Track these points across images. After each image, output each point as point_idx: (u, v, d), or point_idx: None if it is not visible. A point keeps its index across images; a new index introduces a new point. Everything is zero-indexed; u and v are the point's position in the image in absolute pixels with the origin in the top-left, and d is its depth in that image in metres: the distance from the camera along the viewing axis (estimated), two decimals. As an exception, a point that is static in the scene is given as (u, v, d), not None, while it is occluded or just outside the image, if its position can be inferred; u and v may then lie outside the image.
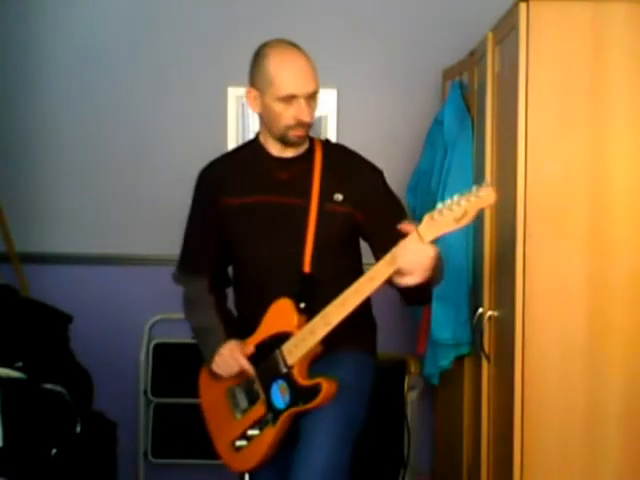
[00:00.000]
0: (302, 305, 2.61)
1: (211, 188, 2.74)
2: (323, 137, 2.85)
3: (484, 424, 3.21)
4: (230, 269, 2.86)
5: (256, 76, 2.64)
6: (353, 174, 2.67)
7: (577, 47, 2.71)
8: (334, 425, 2.57)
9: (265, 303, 2.65)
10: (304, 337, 2.56)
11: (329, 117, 4.15)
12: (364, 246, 2.76)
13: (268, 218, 2.67)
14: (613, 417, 2.74)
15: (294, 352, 2.58)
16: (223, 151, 2.92)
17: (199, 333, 2.80)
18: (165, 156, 4.20)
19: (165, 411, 4.17)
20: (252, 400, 2.68)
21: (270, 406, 2.63)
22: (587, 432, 2.75)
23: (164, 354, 4.17)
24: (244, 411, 2.70)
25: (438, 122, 3.73)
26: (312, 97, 2.62)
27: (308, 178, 2.66)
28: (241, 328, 2.74)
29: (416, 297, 2.56)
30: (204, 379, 2.81)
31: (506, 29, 2.92)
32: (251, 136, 2.81)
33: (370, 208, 2.65)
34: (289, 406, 2.60)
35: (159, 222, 4.15)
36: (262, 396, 2.66)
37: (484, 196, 2.32)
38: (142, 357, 4.16)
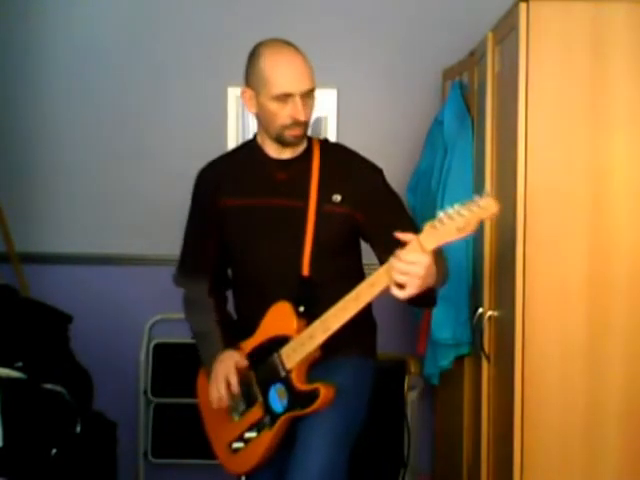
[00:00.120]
0: (301, 309, 2.59)
1: (210, 188, 2.73)
2: (322, 137, 2.83)
3: (484, 424, 3.21)
4: (229, 271, 2.85)
5: (251, 76, 2.62)
6: (352, 174, 2.66)
7: (577, 47, 2.71)
8: (331, 429, 2.57)
9: (264, 305, 2.64)
10: (303, 342, 2.55)
11: (329, 117, 4.15)
12: (364, 246, 2.76)
13: (266, 220, 2.65)
14: (613, 417, 2.74)
15: (292, 356, 2.57)
16: (223, 151, 2.92)
17: (198, 337, 2.80)
18: (165, 156, 4.20)
19: (165, 411, 4.17)
20: (250, 403, 2.68)
21: (268, 409, 2.63)
22: (587, 432, 2.75)
23: (164, 354, 4.17)
24: (242, 413, 2.70)
25: (438, 122, 3.73)
26: (308, 95, 2.59)
27: (306, 179, 2.64)
28: (240, 330, 2.74)
29: (419, 301, 2.51)
30: (202, 381, 2.81)
31: (506, 29, 2.92)
32: (251, 136, 2.79)
33: (370, 208, 2.63)
34: (286, 410, 2.59)
35: (159, 222, 4.16)
36: (260, 399, 2.65)
37: (486, 206, 2.30)
38: (142, 357, 4.16)
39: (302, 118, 2.58)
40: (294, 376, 2.57)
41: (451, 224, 2.31)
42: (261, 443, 2.65)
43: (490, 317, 3.11)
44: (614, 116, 2.72)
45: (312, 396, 2.55)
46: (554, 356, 2.74)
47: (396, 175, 3.19)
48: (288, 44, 2.63)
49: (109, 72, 4.19)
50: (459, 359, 3.59)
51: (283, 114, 2.57)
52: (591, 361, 2.74)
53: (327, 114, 4.14)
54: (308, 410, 2.56)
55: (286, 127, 2.59)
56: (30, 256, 4.14)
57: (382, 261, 2.59)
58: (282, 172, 2.66)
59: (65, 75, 4.20)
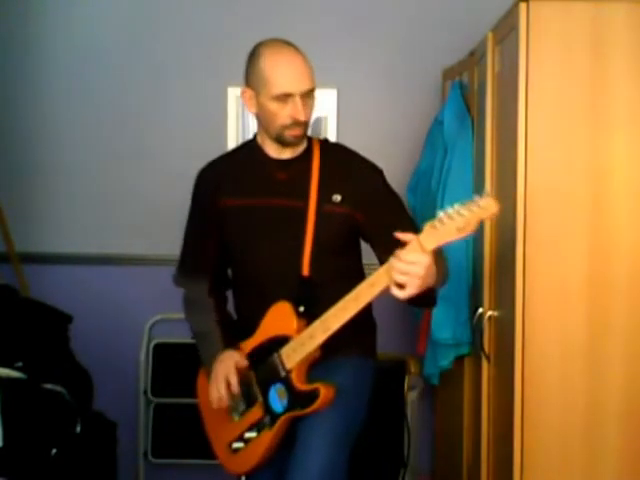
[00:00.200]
0: (301, 309, 2.59)
1: (210, 188, 2.73)
2: (322, 137, 2.83)
3: (484, 424, 3.21)
4: (229, 271, 2.85)
5: (251, 76, 2.62)
6: (352, 174, 2.65)
7: (577, 47, 2.71)
8: (331, 429, 2.57)
9: (264, 305, 2.64)
10: (303, 342, 2.55)
11: (329, 117, 4.15)
12: (364, 246, 2.76)
13: (266, 220, 2.65)
14: (613, 417, 2.74)
15: (292, 356, 2.57)
16: (223, 151, 2.92)
17: (198, 337, 2.80)
18: (165, 156, 4.20)
19: (165, 411, 4.17)
20: (250, 403, 2.67)
21: (268, 409, 2.63)
22: (587, 432, 2.75)
23: (164, 354, 4.17)
24: (242, 413, 2.70)
25: (438, 122, 3.73)
26: (308, 95, 2.59)
27: (306, 179, 2.64)
28: (240, 330, 2.74)
29: (419, 302, 2.50)
30: (202, 381, 2.80)
31: (506, 29, 2.92)
32: (251, 136, 2.79)
33: (370, 208, 2.62)
34: (287, 410, 2.59)
35: (159, 222, 4.16)
36: (260, 399, 2.65)
37: (486, 206, 2.30)
38: (142, 357, 4.16)
39: (302, 118, 2.57)
40: (294, 376, 2.57)
41: (451, 224, 2.31)
42: (261, 443, 2.65)
43: (490, 317, 3.11)
44: (614, 116, 2.72)
45: (312, 396, 2.55)
46: (554, 356, 2.74)
47: (396, 175, 3.18)
48: (288, 44, 2.63)
49: (109, 72, 4.19)
50: (459, 359, 3.59)
51: (283, 114, 2.57)
52: (591, 361, 2.73)
53: (327, 114, 4.14)
54: (308, 410, 2.56)
55: (286, 127, 2.58)
56: (30, 256, 4.14)
57: (382, 261, 2.58)
58: (282, 172, 2.66)
59: (65, 75, 4.20)
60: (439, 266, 2.43)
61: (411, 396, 3.93)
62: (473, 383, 3.47)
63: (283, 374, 2.59)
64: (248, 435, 2.68)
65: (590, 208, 2.73)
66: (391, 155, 4.02)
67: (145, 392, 4.17)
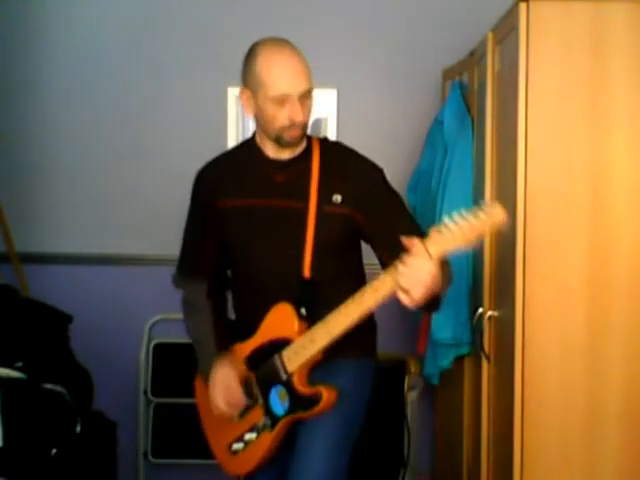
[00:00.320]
0: (303, 311, 2.57)
1: (208, 189, 2.71)
2: (322, 136, 2.80)
3: (484, 424, 3.21)
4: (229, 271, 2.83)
5: (248, 77, 2.59)
6: (352, 173, 2.62)
7: (577, 47, 2.71)
8: (332, 432, 2.57)
9: (264, 306, 2.62)
10: (304, 345, 2.53)
11: (329, 117, 4.15)
12: (364, 247, 2.75)
13: (266, 221, 2.62)
14: (613, 417, 2.74)
15: (294, 359, 2.55)
16: (223, 151, 2.91)
17: (194, 342, 2.77)
18: (165, 156, 4.20)
19: (165, 411, 4.17)
20: (250, 404, 2.65)
21: (268, 411, 2.61)
22: (587, 432, 2.75)
23: (164, 354, 4.17)
24: (242, 414, 2.68)
25: (438, 122, 3.73)
26: (306, 96, 2.55)
27: (306, 180, 2.61)
28: (239, 330, 2.72)
29: (423, 306, 2.46)
30: (200, 382, 2.79)
31: (506, 29, 2.92)
32: (251, 135, 2.78)
33: (370, 208, 2.60)
34: (288, 413, 2.58)
35: (159, 222, 4.16)
36: (260, 400, 2.63)
37: (494, 215, 2.29)
38: (142, 357, 4.16)
39: (300, 119, 2.54)
40: (296, 379, 2.55)
41: (458, 231, 2.30)
42: (261, 445, 2.64)
43: (490, 317, 3.11)
44: (614, 116, 2.72)
45: (314, 399, 2.53)
46: (554, 356, 2.74)
47: (396, 175, 3.18)
48: (285, 43, 2.59)
49: (109, 72, 4.19)
50: (459, 359, 3.59)
51: (281, 116, 2.54)
52: (591, 361, 2.73)
53: (327, 114, 4.14)
54: (310, 413, 2.55)
55: (284, 128, 2.55)
56: (30, 256, 4.14)
57: (383, 262, 2.58)
58: (281, 173, 2.63)
59: (65, 75, 4.20)
60: (444, 271, 2.41)
61: (411, 396, 3.93)
62: (473, 383, 3.47)
63: (284, 377, 2.57)
64: (248, 437, 2.66)
65: (590, 208, 2.73)
66: (391, 155, 4.02)
67: (145, 392, 4.17)
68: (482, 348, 3.14)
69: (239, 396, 2.63)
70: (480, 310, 3.18)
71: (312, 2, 4.20)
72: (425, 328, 3.74)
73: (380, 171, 2.68)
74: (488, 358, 3.15)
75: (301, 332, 2.55)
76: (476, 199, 3.40)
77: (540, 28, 2.70)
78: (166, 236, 3.95)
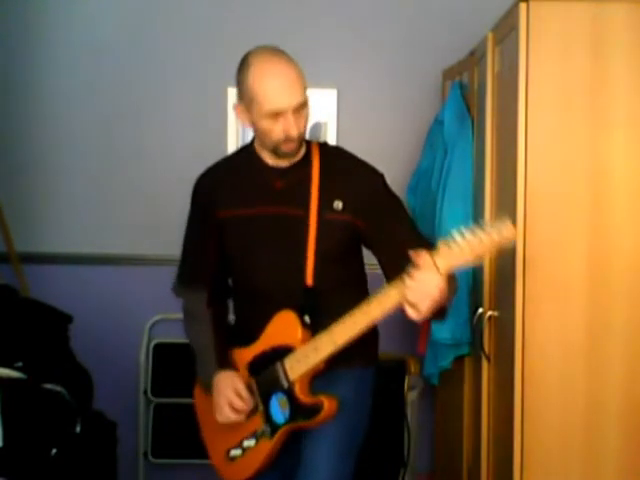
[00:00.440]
0: (307, 319, 2.54)
1: (207, 198, 2.67)
2: (322, 140, 2.76)
3: (484, 424, 3.21)
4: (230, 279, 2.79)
5: (241, 89, 2.55)
6: (352, 179, 2.59)
7: (577, 47, 2.71)
8: (336, 443, 2.56)
9: (266, 314, 2.58)
10: (307, 353, 2.51)
11: (329, 117, 4.14)
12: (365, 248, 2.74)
13: (266, 229, 2.59)
14: (613, 417, 2.74)
15: (296, 367, 2.52)
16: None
17: (195, 351, 2.74)
18: (165, 155, 4.20)
19: (165, 411, 4.17)
20: (250, 411, 2.62)
21: (268, 419, 2.58)
22: (587, 432, 2.75)
23: (164, 354, 4.17)
24: (240, 421, 2.63)
25: (438, 122, 3.73)
26: (301, 107, 2.49)
27: (306, 186, 2.57)
28: (239, 336, 2.69)
29: (429, 317, 2.46)
30: (200, 390, 2.76)
31: (506, 29, 2.92)
32: (251, 136, 2.76)
33: (371, 214, 2.57)
34: (288, 421, 2.55)
35: (159, 222, 4.16)
36: (261, 407, 2.60)
37: (504, 232, 2.28)
38: (142, 357, 4.16)
39: (295, 134, 2.49)
40: (297, 388, 2.53)
41: (467, 246, 2.29)
42: (259, 453, 2.61)
43: (490, 317, 3.11)
44: (614, 116, 2.72)
45: (315, 408, 2.51)
46: (554, 356, 2.74)
47: (396, 175, 3.19)
48: (277, 54, 2.52)
49: (109, 72, 4.19)
50: (459, 359, 3.59)
51: (276, 129, 2.49)
52: (591, 361, 2.74)
53: (327, 115, 4.13)
54: (311, 423, 2.53)
55: (280, 142, 2.51)
56: (30, 256, 4.14)
57: (384, 267, 2.58)
58: (281, 180, 2.60)
59: (65, 75, 4.20)
60: (450, 283, 2.39)
61: (411, 396, 3.93)
62: (473, 383, 3.47)
63: (286, 385, 2.55)
64: (246, 443, 2.63)
65: (590, 208, 2.73)
66: (391, 155, 4.03)
67: (145, 392, 4.17)
68: (482, 348, 3.14)
69: (247, 399, 2.60)
70: (480, 310, 3.18)
71: (312, 2, 4.19)
72: (425, 328, 3.74)
73: (381, 176, 2.64)
74: (488, 358, 3.15)
75: (305, 340, 2.52)
76: (476, 199, 3.40)
77: (540, 28, 2.70)
78: (166, 236, 3.96)
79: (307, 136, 2.63)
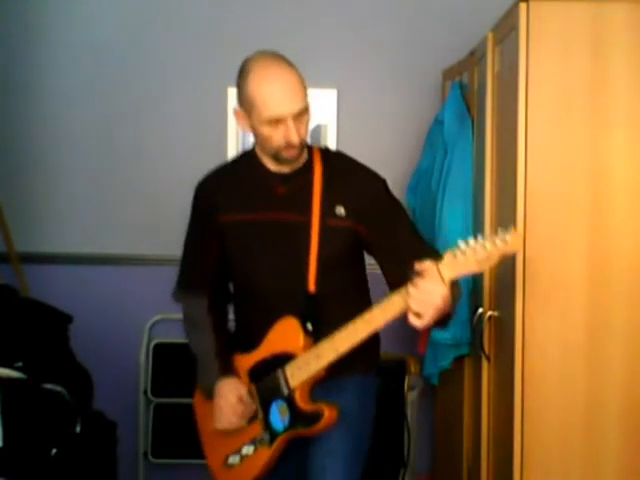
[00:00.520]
0: (309, 326, 2.52)
1: (208, 203, 2.64)
2: (323, 144, 2.75)
3: (484, 424, 3.21)
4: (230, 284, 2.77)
5: (241, 96, 2.52)
6: (355, 185, 2.56)
7: (577, 47, 2.71)
8: (343, 453, 2.55)
9: (267, 320, 2.56)
10: (309, 361, 2.49)
11: (329, 116, 4.14)
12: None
13: (268, 235, 2.57)
14: (613, 417, 2.74)
15: (297, 375, 2.50)
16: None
17: (196, 358, 2.72)
18: (165, 156, 4.20)
19: (165, 411, 4.17)
20: (250, 417, 2.60)
21: (267, 426, 2.56)
22: (587, 432, 2.75)
23: (164, 354, 4.17)
24: (240, 427, 2.62)
25: (438, 122, 3.73)
26: (301, 113, 2.46)
27: (308, 192, 2.55)
28: (240, 342, 2.67)
29: (432, 325, 2.46)
30: (199, 396, 2.74)
31: (506, 29, 2.92)
32: (251, 137, 2.74)
33: (373, 220, 2.54)
34: (287, 429, 2.53)
35: (159, 222, 4.16)
36: (260, 414, 2.58)
37: (511, 241, 2.27)
38: (142, 357, 4.16)
39: (296, 141, 2.46)
40: (298, 395, 2.51)
41: (472, 256, 2.28)
42: (258, 460, 2.58)
43: (490, 317, 3.11)
44: (614, 116, 2.72)
45: (315, 416, 2.49)
46: (554, 356, 2.74)
47: (396, 175, 3.19)
48: (276, 60, 2.49)
49: (109, 72, 4.19)
50: (459, 359, 3.59)
51: (276, 136, 2.46)
52: (591, 361, 2.74)
53: (327, 116, 4.13)
54: (310, 430, 2.51)
55: (281, 148, 2.48)
56: (30, 256, 4.14)
57: (385, 273, 2.56)
58: (282, 186, 2.57)
59: (65, 75, 4.20)
60: (453, 291, 2.38)
61: (411, 396, 3.93)
62: (473, 383, 3.47)
63: (286, 392, 2.52)
64: (245, 450, 2.60)
65: (590, 208, 2.73)
66: (391, 155, 4.03)
67: (145, 392, 4.17)
68: (482, 348, 3.14)
69: (250, 404, 2.58)
70: (480, 310, 3.18)
71: (312, 2, 4.20)
72: (425, 329, 3.74)
73: (382, 181, 2.61)
74: (488, 358, 3.15)
75: (306, 348, 2.50)
76: (476, 199, 3.40)
77: (540, 28, 2.70)
78: (166, 236, 3.96)
79: (308, 139, 2.60)
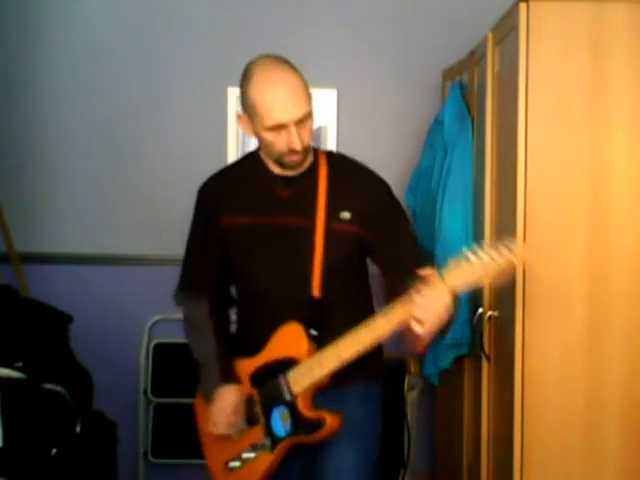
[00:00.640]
0: (313, 332, 2.50)
1: (211, 205, 2.62)
2: (323, 144, 2.73)
3: (484, 424, 3.21)
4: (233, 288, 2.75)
5: (243, 101, 2.49)
6: (360, 189, 2.54)
7: (577, 47, 2.71)
8: (353, 466, 2.53)
9: (271, 325, 2.54)
10: (312, 367, 2.47)
11: (329, 117, 4.14)
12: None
13: (272, 239, 2.54)
14: (613, 417, 2.75)
15: (300, 381, 2.49)
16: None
17: (197, 362, 2.70)
18: (165, 156, 4.20)
19: (165, 411, 4.17)
20: (251, 422, 2.59)
21: (269, 432, 2.55)
22: (587, 432, 2.75)
23: (164, 354, 4.17)
24: (242, 432, 2.61)
25: (438, 122, 3.73)
26: (304, 119, 2.43)
27: (312, 196, 2.52)
28: (242, 346, 2.65)
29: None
30: (200, 400, 2.73)
31: (506, 29, 2.92)
32: (253, 148, 2.69)
33: (376, 225, 2.53)
34: (289, 435, 2.52)
35: (159, 222, 4.16)
36: (262, 420, 2.57)
37: (515, 251, 2.28)
38: (142, 357, 4.16)
39: (298, 147, 2.43)
40: (300, 401, 2.50)
41: (477, 264, 2.29)
42: (259, 466, 2.57)
43: (490, 317, 3.11)
44: (614, 116, 2.72)
45: (317, 423, 2.48)
46: (554, 356, 2.74)
47: (396, 175, 3.19)
48: (279, 64, 2.45)
49: (109, 72, 4.19)
50: (459, 359, 3.59)
51: (279, 142, 2.44)
52: (591, 361, 2.74)
53: (327, 117, 4.13)
54: (312, 437, 2.49)
55: (284, 154, 2.46)
56: (30, 256, 4.14)
57: (386, 276, 2.56)
58: (287, 189, 2.55)
59: (65, 75, 4.20)
60: (454, 301, 2.37)
61: (411, 396, 3.93)
62: (473, 383, 3.47)
63: (288, 398, 2.51)
64: (245, 455, 2.59)
65: (590, 208, 2.73)
66: (391, 155, 4.03)
67: (145, 392, 4.17)
68: (482, 348, 3.14)
69: (241, 415, 2.58)
70: (480, 310, 3.18)
71: (312, 2, 4.20)
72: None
73: (386, 186, 2.59)
74: (488, 358, 3.15)
75: (310, 353, 2.49)
76: (476, 199, 3.40)
77: (540, 28, 2.70)
78: (166, 236, 3.96)
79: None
